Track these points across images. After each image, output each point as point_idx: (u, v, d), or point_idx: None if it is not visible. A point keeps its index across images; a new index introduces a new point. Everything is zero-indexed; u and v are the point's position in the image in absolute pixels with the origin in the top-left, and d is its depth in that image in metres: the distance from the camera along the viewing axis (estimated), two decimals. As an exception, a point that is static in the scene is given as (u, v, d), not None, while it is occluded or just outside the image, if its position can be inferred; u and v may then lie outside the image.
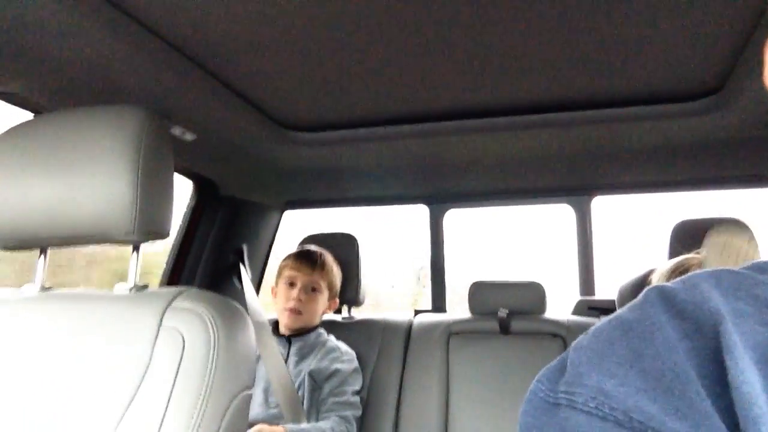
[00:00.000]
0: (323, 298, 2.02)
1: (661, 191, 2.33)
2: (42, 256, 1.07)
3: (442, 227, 2.48)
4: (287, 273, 2.02)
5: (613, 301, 2.11)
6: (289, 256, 2.08)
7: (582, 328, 2.01)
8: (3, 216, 0.99)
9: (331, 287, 2.05)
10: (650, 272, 1.67)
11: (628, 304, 0.38)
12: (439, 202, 2.48)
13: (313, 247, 2.11)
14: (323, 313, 2.08)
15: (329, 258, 2.07)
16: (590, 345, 0.36)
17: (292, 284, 1.99)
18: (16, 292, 1.06)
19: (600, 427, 0.32)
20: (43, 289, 1.06)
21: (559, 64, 1.45)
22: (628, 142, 1.88)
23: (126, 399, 0.86)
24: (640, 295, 0.38)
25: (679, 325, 0.34)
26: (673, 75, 1.51)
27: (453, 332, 2.08)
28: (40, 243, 1.04)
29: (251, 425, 1.68)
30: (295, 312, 1.95)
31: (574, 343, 0.38)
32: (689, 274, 0.38)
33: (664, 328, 0.34)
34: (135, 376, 0.87)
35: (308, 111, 1.79)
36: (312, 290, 1.99)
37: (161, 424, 0.83)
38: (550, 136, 1.86)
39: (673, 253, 1.86)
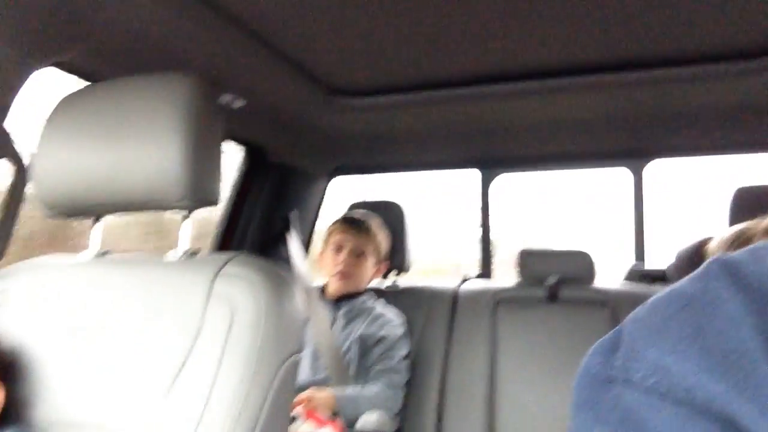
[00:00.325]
0: (371, 263, 2.03)
1: (723, 154, 2.24)
2: (96, 223, 1.10)
3: (492, 192, 2.45)
4: (334, 238, 2.03)
5: (664, 270, 2.06)
6: (336, 222, 2.09)
7: (630, 297, 1.97)
8: (58, 184, 1.02)
9: (378, 252, 2.05)
10: (707, 240, 1.62)
11: (689, 276, 0.36)
12: (490, 166, 2.44)
13: (359, 213, 2.12)
14: (372, 277, 2.08)
15: (376, 222, 2.07)
16: (648, 318, 0.34)
17: (339, 249, 2.01)
18: (73, 257, 1.09)
19: (658, 405, 0.30)
20: (98, 255, 1.09)
21: (615, 21, 1.39)
22: (687, 102, 1.81)
23: (178, 362, 0.88)
24: (702, 267, 0.35)
25: (745, 299, 0.31)
26: (736, 31, 1.44)
27: (500, 299, 2.07)
28: (94, 211, 1.06)
29: (300, 389, 1.71)
30: (344, 276, 1.97)
31: (630, 316, 0.36)
32: (755, 245, 0.36)
33: (728, 302, 0.32)
34: (186, 340, 0.89)
35: (357, 76, 1.77)
36: (359, 254, 2.00)
37: (212, 388, 0.85)
38: (607, 97, 1.80)
39: (734, 219, 1.79)
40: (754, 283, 0.32)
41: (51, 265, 1.08)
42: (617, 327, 0.36)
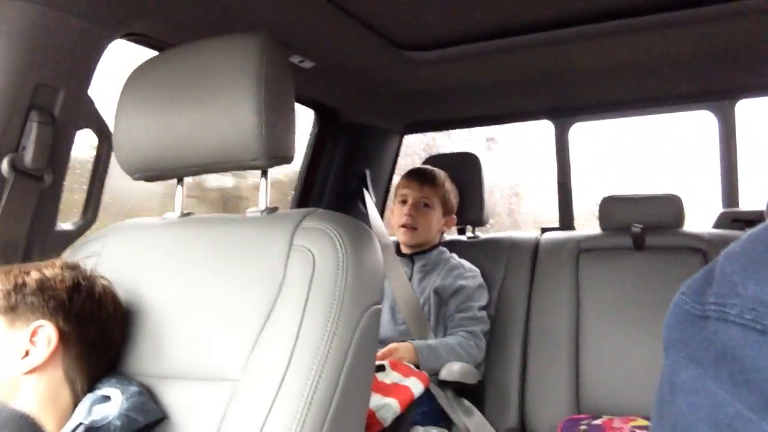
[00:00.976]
0: (437, 214, 2.02)
1: None
2: (180, 185, 1.14)
3: (567, 142, 2.38)
4: (400, 191, 2.04)
5: (761, 212, 1.95)
6: (402, 176, 2.09)
7: (725, 241, 1.86)
8: (139, 150, 1.06)
9: (444, 203, 2.04)
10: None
11: None
12: (563, 116, 2.36)
13: (425, 166, 2.11)
14: (441, 230, 2.08)
15: (440, 174, 2.06)
16: (745, 252, 0.32)
17: (404, 201, 2.01)
18: (159, 219, 1.14)
19: (758, 341, 0.28)
20: (183, 214, 1.13)
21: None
22: None
23: (263, 314, 0.91)
24: None
25: None
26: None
27: (583, 249, 2.02)
28: (176, 173, 1.10)
29: (381, 343, 1.74)
30: (409, 228, 1.98)
31: (724, 251, 0.34)
32: None
33: None
34: (271, 291, 0.92)
35: (424, 29, 1.75)
36: (424, 206, 2.00)
37: (297, 337, 0.87)
38: (685, 35, 1.70)
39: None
40: None
41: (139, 226, 1.13)
42: (710, 264, 0.34)
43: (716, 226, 2.09)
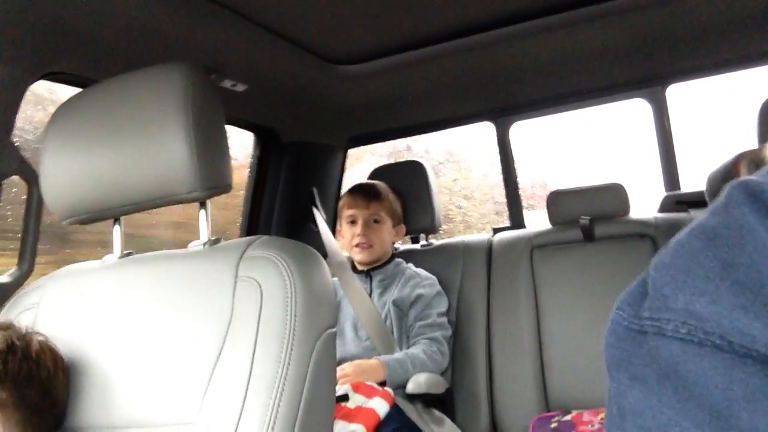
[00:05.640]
0: (387, 227, 2.03)
1: (746, 68, 2.14)
2: (116, 225, 1.09)
3: (509, 142, 2.40)
4: (346, 212, 2.03)
5: (702, 192, 1.99)
6: (345, 194, 2.09)
7: (670, 224, 1.92)
8: (70, 192, 1.01)
9: (392, 214, 2.04)
10: (740, 156, 1.56)
11: (710, 208, 0.32)
12: (503, 116, 2.38)
13: (367, 181, 2.10)
14: (393, 241, 2.08)
15: (383, 186, 2.06)
16: (672, 261, 0.31)
17: (353, 222, 2.00)
18: (99, 262, 1.09)
19: (698, 354, 0.28)
20: (123, 255, 1.08)
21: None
22: (704, 17, 1.72)
23: (215, 350, 0.87)
24: (722, 195, 0.32)
25: None
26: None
27: (535, 245, 2.04)
28: (112, 213, 1.06)
29: (347, 361, 1.71)
30: (365, 246, 1.97)
31: (653, 261, 0.33)
32: None
33: (755, 230, 0.29)
34: (220, 327, 0.89)
35: (354, 42, 1.74)
36: (374, 222, 2.00)
37: (251, 372, 0.84)
38: (613, 25, 1.73)
39: (763, 134, 1.73)
40: None
41: (78, 272, 1.08)
42: (641, 275, 0.34)
43: (661, 210, 2.13)
